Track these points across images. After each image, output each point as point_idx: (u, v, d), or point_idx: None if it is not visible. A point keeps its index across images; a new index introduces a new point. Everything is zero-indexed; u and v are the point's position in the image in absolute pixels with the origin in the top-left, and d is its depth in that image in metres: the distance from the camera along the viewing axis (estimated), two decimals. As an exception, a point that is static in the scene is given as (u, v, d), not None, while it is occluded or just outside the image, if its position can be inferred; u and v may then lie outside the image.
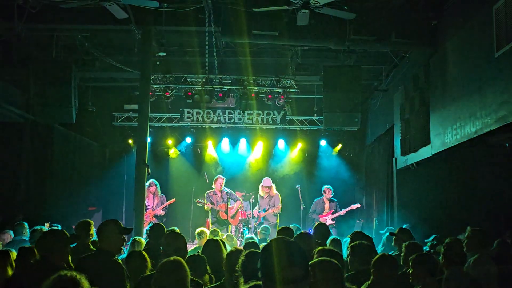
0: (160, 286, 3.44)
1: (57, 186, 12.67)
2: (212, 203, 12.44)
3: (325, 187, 12.85)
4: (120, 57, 11.98)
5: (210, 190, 12.66)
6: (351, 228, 13.07)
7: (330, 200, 12.73)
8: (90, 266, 4.24)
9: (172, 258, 3.58)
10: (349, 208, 12.81)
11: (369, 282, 4.40)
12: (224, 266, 4.55)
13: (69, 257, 4.54)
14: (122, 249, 5.06)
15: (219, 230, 8.99)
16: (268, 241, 2.47)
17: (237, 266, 3.82)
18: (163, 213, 12.64)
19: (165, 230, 6.74)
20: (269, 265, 2.17)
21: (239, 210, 12.71)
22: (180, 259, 3.60)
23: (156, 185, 12.64)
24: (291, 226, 9.71)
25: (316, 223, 7.06)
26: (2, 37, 10.05)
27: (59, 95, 10.60)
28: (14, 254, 5.06)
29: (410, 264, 4.59)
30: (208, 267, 4.89)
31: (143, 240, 7.52)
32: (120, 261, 4.70)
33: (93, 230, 6.23)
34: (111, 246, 4.68)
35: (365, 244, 5.16)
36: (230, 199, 12.47)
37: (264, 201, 12.77)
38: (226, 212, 12.32)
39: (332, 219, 12.52)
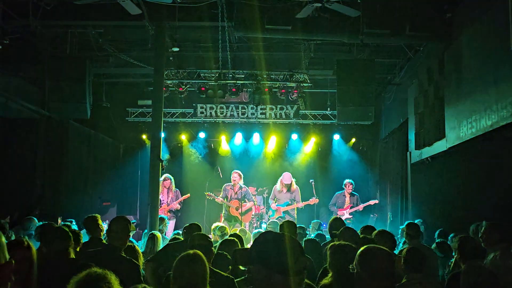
0: (179, 280, 3.44)
1: (72, 181, 12.78)
2: (226, 196, 12.50)
3: (346, 181, 12.84)
4: (134, 53, 12.02)
5: (229, 184, 12.70)
6: (366, 223, 13.07)
7: (351, 194, 12.73)
8: (97, 260, 4.29)
9: (191, 252, 3.58)
10: (367, 203, 12.79)
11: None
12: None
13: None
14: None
15: (226, 227, 9.00)
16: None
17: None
18: (179, 207, 12.71)
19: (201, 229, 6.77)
20: (277, 256, 2.16)
21: (252, 208, 12.68)
22: (199, 252, 3.59)
23: (170, 179, 12.70)
24: (313, 221, 9.78)
25: (332, 218, 7.07)
26: (18, 34, 10.13)
27: (73, 91, 10.68)
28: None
29: None
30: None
31: (160, 235, 7.57)
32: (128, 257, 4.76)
33: (101, 224, 6.28)
34: (120, 242, 4.77)
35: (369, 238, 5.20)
36: (245, 198, 12.47)
37: (285, 195, 12.67)
38: (237, 209, 12.33)
39: (350, 213, 12.51)
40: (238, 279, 4.38)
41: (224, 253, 5.12)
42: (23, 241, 3.42)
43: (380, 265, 3.11)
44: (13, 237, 6.93)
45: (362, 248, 3.28)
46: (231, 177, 12.59)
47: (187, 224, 6.53)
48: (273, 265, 2.13)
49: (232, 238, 5.82)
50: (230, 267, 4.86)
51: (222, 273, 4.28)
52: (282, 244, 2.19)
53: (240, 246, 5.11)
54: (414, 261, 4.46)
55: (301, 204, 12.60)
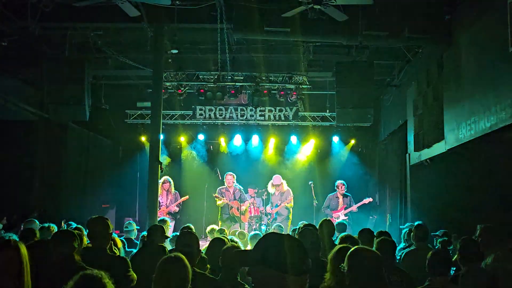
0: (159, 282, 3.44)
1: (71, 183, 12.77)
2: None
3: (338, 182, 12.83)
4: (133, 55, 12.02)
5: (222, 186, 12.75)
6: (365, 225, 13.06)
7: (344, 195, 12.72)
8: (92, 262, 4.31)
9: (173, 255, 3.59)
10: (361, 202, 12.77)
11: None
12: (220, 262, 4.54)
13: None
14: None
15: (226, 229, 8.99)
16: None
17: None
18: (177, 209, 12.71)
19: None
20: (287, 257, 2.18)
21: (249, 207, 12.73)
22: (181, 255, 3.59)
23: (170, 182, 12.71)
24: (300, 223, 9.73)
25: (321, 221, 7.03)
26: (16, 36, 10.13)
27: (72, 93, 10.68)
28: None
29: None
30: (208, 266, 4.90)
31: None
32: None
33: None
34: (104, 241, 4.80)
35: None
36: (241, 198, 12.53)
37: (276, 197, 12.85)
38: (238, 209, 12.38)
39: (345, 215, 12.50)
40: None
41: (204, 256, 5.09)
42: (11, 242, 3.43)
43: (367, 267, 3.15)
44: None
45: (351, 249, 3.33)
46: (225, 180, 12.64)
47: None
48: (286, 267, 2.15)
49: (223, 237, 5.79)
50: (208, 266, 4.83)
51: (208, 274, 4.27)
52: (292, 245, 2.22)
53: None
54: (439, 264, 4.42)
55: (283, 204, 12.66)
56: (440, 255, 4.52)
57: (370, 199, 13.09)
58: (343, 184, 12.75)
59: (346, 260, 3.21)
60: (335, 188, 12.82)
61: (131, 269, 4.72)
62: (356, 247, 3.37)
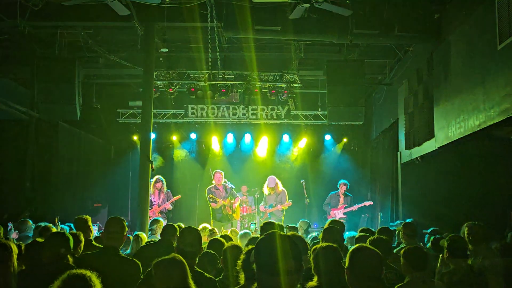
0: (159, 283, 3.44)
1: (62, 183, 12.73)
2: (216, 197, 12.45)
3: (341, 182, 12.96)
4: (124, 54, 11.98)
5: (211, 186, 12.57)
6: (357, 222, 13.12)
7: (345, 195, 12.81)
8: (97, 263, 4.30)
9: (171, 255, 3.58)
10: (362, 204, 12.88)
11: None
12: (221, 262, 4.55)
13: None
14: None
15: (216, 230, 8.91)
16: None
17: (238, 262, 3.82)
18: (171, 207, 12.65)
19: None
20: (263, 257, 2.28)
21: (241, 206, 12.69)
22: (178, 256, 3.58)
23: (162, 181, 12.65)
24: (301, 221, 9.73)
25: (330, 221, 7.07)
26: (6, 35, 10.08)
27: (63, 93, 10.62)
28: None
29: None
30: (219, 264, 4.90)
31: (145, 236, 7.52)
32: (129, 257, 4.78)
33: (91, 226, 6.26)
34: (118, 242, 4.76)
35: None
36: (232, 195, 12.46)
37: (271, 197, 12.75)
38: (231, 207, 12.30)
39: (344, 213, 12.57)
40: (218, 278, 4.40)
41: (211, 252, 5.09)
42: (7, 244, 3.42)
43: (368, 265, 3.19)
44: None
45: (353, 247, 3.38)
46: (215, 178, 12.48)
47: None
48: (273, 268, 2.24)
49: (221, 238, 5.75)
50: (219, 264, 4.83)
51: (206, 274, 4.27)
52: (280, 247, 2.30)
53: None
54: (416, 259, 4.46)
55: (280, 207, 12.61)
56: (416, 251, 4.56)
57: (371, 202, 13.16)
58: (345, 184, 12.86)
59: (348, 257, 3.27)
60: (338, 187, 12.92)
61: (141, 273, 4.72)
62: (358, 245, 3.45)
